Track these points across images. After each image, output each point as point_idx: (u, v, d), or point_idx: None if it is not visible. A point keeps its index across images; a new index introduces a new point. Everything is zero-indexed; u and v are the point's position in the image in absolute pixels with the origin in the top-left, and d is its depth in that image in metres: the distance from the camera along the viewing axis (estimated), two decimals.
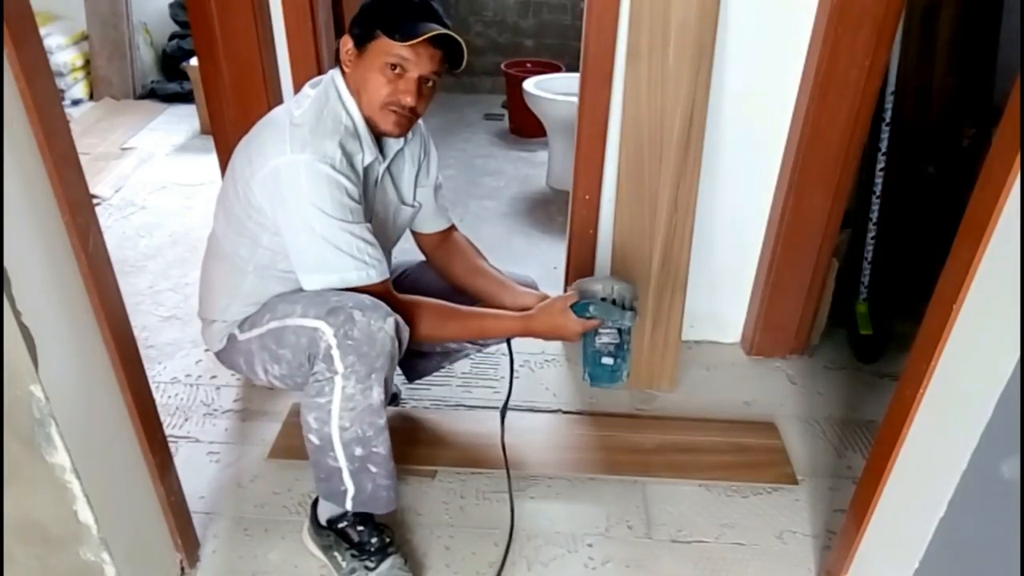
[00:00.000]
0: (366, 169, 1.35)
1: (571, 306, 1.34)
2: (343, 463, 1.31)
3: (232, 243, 1.37)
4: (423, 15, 1.26)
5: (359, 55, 1.29)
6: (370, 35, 1.26)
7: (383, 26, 1.25)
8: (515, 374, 1.48)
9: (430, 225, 1.59)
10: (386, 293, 1.31)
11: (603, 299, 1.34)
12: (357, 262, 1.28)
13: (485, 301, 1.52)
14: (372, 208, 1.42)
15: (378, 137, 1.37)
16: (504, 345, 1.56)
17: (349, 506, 1.37)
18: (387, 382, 1.26)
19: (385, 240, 1.50)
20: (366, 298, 1.26)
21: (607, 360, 1.37)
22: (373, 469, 1.32)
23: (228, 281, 1.41)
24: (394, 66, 1.26)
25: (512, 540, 1.52)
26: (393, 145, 1.41)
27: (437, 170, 1.57)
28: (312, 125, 1.26)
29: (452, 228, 1.63)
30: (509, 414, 1.59)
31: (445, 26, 1.25)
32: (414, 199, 1.53)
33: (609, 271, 1.94)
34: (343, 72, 1.32)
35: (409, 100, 1.28)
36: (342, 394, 1.24)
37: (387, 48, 1.25)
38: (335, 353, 1.22)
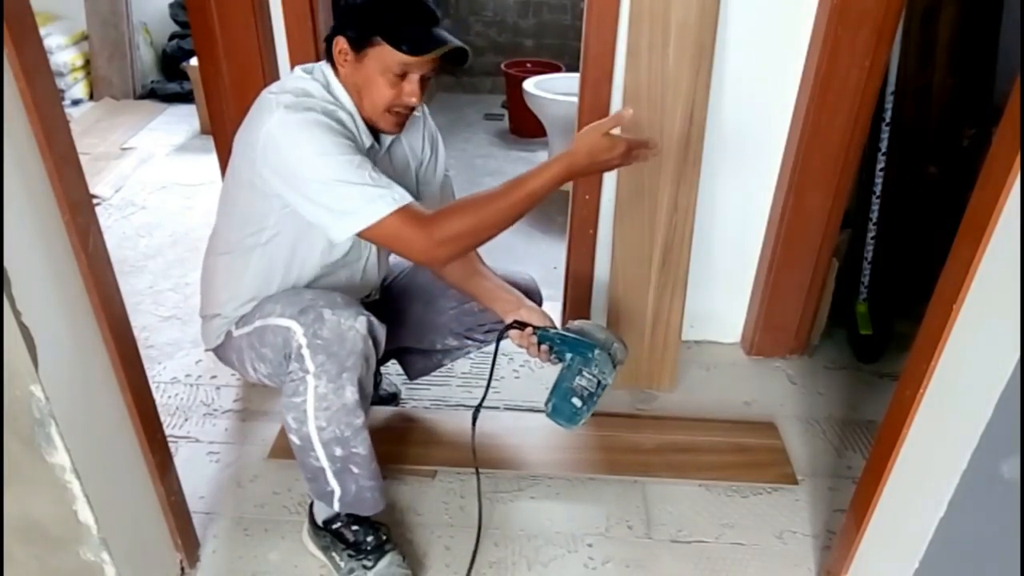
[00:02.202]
0: (366, 153, 1.34)
1: (568, 340, 1.35)
2: (325, 463, 1.30)
3: (237, 234, 1.37)
4: (422, 18, 1.25)
5: (356, 58, 1.26)
6: (369, 40, 1.24)
7: (385, 34, 1.22)
8: (494, 376, 1.44)
9: None
10: (416, 210, 1.22)
11: (604, 349, 1.35)
12: (380, 190, 1.20)
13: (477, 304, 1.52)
14: None
15: (374, 131, 1.36)
16: (503, 345, 1.55)
17: (337, 507, 1.38)
18: (362, 382, 1.24)
19: None
20: (338, 296, 1.26)
21: (576, 401, 1.35)
22: (355, 470, 1.32)
23: (230, 273, 1.41)
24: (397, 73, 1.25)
25: (480, 541, 1.50)
26: (388, 134, 1.40)
27: (444, 166, 1.55)
28: (297, 94, 1.25)
29: None
30: (510, 414, 1.59)
31: (438, 21, 1.26)
32: (416, 193, 1.50)
33: (609, 272, 1.93)
34: (335, 69, 1.30)
35: (415, 101, 1.28)
36: (315, 393, 1.23)
37: (391, 57, 1.23)
38: (305, 352, 1.22)
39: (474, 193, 1.26)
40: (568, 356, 1.36)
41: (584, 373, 1.34)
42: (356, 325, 1.22)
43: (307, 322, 1.22)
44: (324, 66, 1.32)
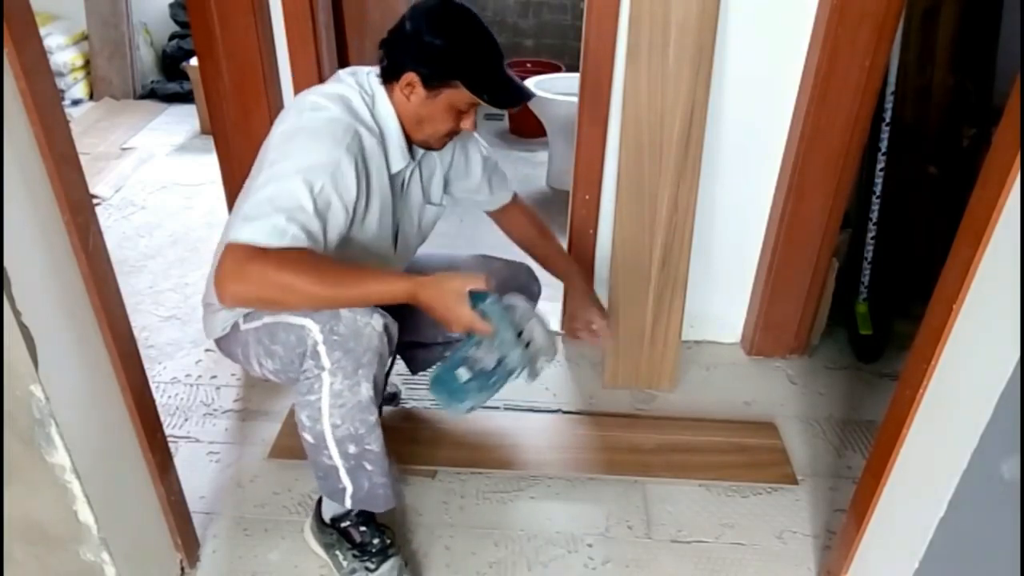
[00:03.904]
0: (393, 176, 1.36)
1: (472, 293, 1.14)
2: (338, 461, 1.31)
3: None
4: (499, 64, 1.29)
5: (428, 95, 1.27)
6: (445, 81, 1.26)
7: (466, 80, 1.25)
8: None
9: (491, 204, 1.64)
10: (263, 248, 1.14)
11: (519, 333, 1.17)
12: (287, 224, 1.14)
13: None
14: (397, 215, 1.43)
15: (410, 142, 1.38)
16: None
17: (349, 504, 1.38)
18: (376, 380, 1.25)
19: (406, 247, 1.51)
20: None
21: (463, 374, 1.18)
22: (368, 467, 1.32)
23: None
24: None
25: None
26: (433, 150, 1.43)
27: (480, 154, 1.56)
28: (341, 101, 1.27)
29: (515, 198, 1.67)
30: (510, 414, 1.59)
31: (502, 56, 1.30)
32: (442, 199, 1.54)
33: (609, 272, 1.93)
34: (389, 91, 1.31)
35: (471, 128, 1.35)
36: (330, 390, 1.23)
37: (466, 99, 1.27)
38: (321, 349, 1.22)
39: (321, 257, 1.17)
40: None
41: (486, 347, 1.16)
42: (372, 322, 1.22)
43: (322, 319, 1.22)
44: (375, 82, 1.32)
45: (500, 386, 1.20)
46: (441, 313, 1.18)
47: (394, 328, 1.27)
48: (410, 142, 1.37)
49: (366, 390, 1.24)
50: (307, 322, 1.23)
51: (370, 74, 1.33)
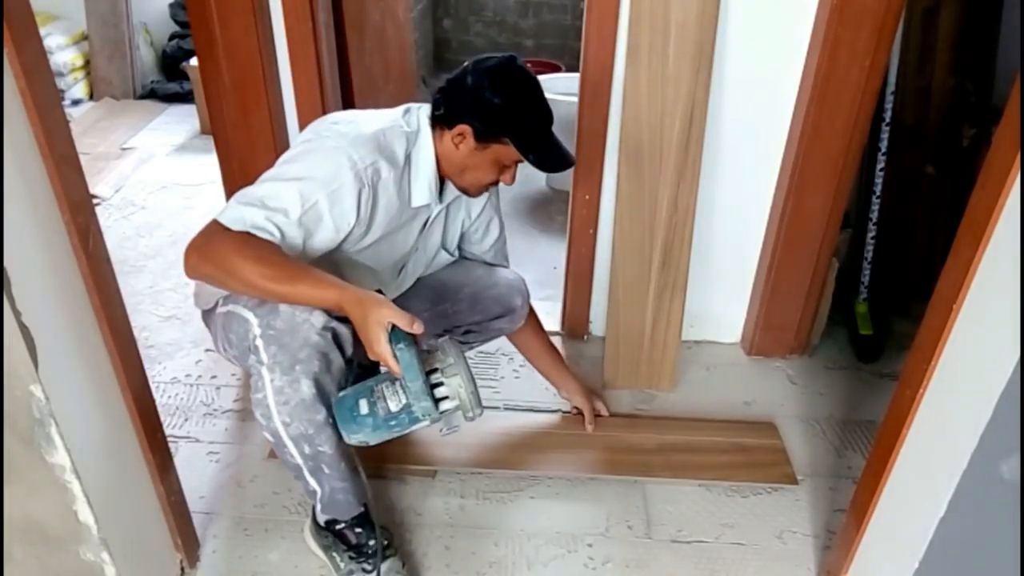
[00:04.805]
0: (415, 210, 1.39)
1: (394, 328, 1.12)
2: (299, 460, 1.28)
3: None
4: (548, 127, 1.35)
5: (477, 147, 1.33)
6: (496, 138, 1.32)
7: (516, 140, 1.32)
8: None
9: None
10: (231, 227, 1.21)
11: (434, 384, 1.12)
12: (269, 215, 1.20)
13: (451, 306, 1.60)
14: (411, 247, 1.46)
15: (441, 184, 1.42)
16: (504, 345, 1.57)
17: (319, 509, 1.37)
18: (319, 379, 1.20)
19: (405, 278, 1.53)
20: None
21: (363, 406, 1.14)
22: (326, 470, 1.29)
23: None
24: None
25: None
26: (454, 189, 1.44)
27: (497, 231, 1.64)
28: (363, 131, 1.30)
29: None
30: (510, 414, 1.59)
31: (552, 121, 1.37)
32: (456, 248, 1.59)
33: (609, 272, 1.93)
34: (437, 134, 1.35)
35: (510, 183, 1.41)
36: (272, 387, 1.20)
37: (513, 156, 1.34)
38: (259, 343, 1.21)
39: (279, 254, 1.20)
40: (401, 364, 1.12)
41: (398, 387, 1.13)
42: (311, 319, 1.20)
43: (263, 313, 1.22)
44: (424, 120, 1.36)
45: (402, 431, 1.15)
46: (361, 335, 1.16)
47: (344, 329, 1.23)
48: (442, 184, 1.41)
49: (307, 387, 1.19)
50: (249, 315, 1.24)
51: (421, 109, 1.38)
